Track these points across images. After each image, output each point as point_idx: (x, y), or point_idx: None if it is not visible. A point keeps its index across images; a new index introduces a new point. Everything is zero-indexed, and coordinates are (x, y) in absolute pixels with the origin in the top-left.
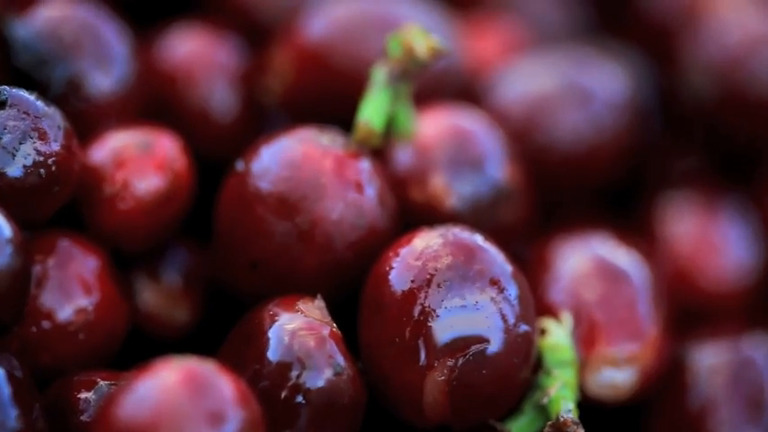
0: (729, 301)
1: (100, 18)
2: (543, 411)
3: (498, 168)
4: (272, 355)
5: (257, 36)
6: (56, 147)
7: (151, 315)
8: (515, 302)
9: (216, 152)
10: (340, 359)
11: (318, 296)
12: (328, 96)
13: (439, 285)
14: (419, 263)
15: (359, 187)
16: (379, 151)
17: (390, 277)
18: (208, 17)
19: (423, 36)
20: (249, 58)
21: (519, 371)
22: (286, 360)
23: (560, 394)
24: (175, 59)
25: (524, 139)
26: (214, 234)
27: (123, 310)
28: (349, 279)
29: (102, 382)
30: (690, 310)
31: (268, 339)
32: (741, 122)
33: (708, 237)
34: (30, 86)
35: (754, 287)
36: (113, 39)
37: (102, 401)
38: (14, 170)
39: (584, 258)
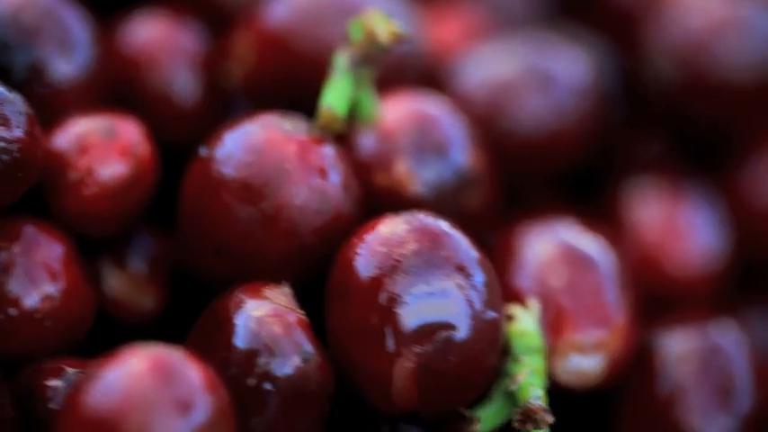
0: (696, 286)
1: (61, 3)
2: (512, 398)
3: (462, 154)
4: (240, 342)
5: (219, 21)
6: (18, 133)
7: (117, 301)
8: (482, 289)
9: (179, 137)
10: (308, 346)
11: (284, 282)
12: (290, 81)
13: (405, 272)
14: (385, 249)
15: (323, 173)
16: (343, 137)
17: (356, 264)
18: (170, 3)
19: (384, 21)
20: (211, 43)
21: (487, 357)
22: (253, 347)
23: (528, 381)
24: (137, 44)
25: (487, 125)
26: (178, 220)
27: (90, 297)
28: (315, 265)
29: (69, 370)
30: (657, 295)
31: (235, 326)
32: (704, 107)
33: (673, 222)
34: None
35: (720, 272)
36: (75, 24)
37: (70, 389)
38: None
39: (550, 244)
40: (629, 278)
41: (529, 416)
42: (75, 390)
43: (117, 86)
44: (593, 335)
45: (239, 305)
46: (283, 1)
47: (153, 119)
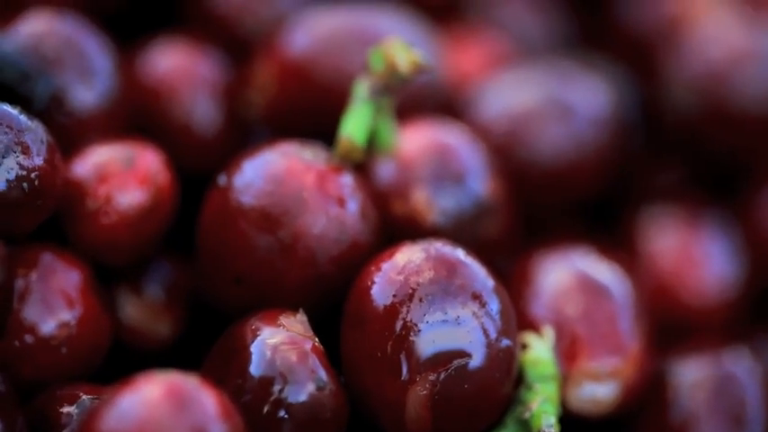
0: (711, 315)
1: (82, 33)
2: (525, 426)
3: (480, 183)
4: (255, 369)
5: (240, 50)
6: (39, 161)
7: (134, 329)
8: (497, 317)
9: (198, 166)
10: (322, 373)
11: (300, 310)
12: (310, 110)
13: (421, 300)
14: (401, 277)
15: (341, 202)
16: (362, 166)
17: (372, 292)
18: (190, 31)
19: (405, 50)
20: (232, 72)
21: (501, 385)
22: (268, 375)
23: (542, 409)
24: (158, 73)
25: (506, 154)
26: (197, 248)
27: (106, 324)
28: (331, 293)
29: (84, 396)
30: (672, 324)
31: (250, 354)
32: (723, 137)
33: (690, 251)
34: (13, 101)
35: (736, 302)
36: (96, 53)
37: (85, 416)
38: None
39: (565, 273)
40: (645, 306)
41: None
42: (90, 416)
43: (137, 115)
44: (608, 363)
45: (255, 333)
46: (304, 30)
47: (172, 147)
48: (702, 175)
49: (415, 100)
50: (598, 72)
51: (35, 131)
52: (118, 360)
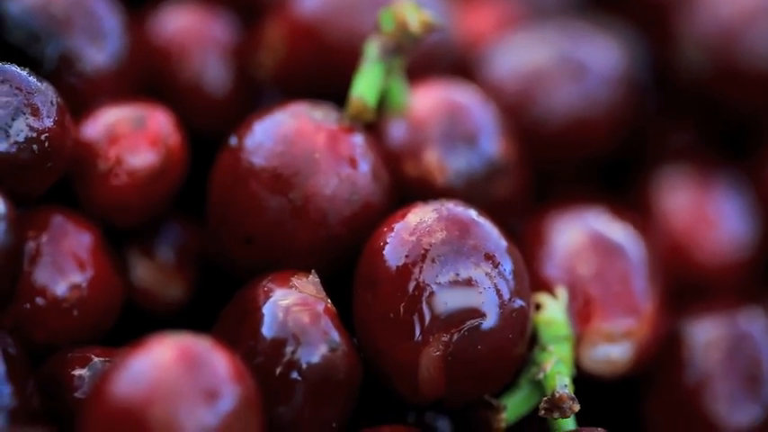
0: (725, 275)
1: None
2: (539, 387)
3: (492, 143)
4: (267, 331)
5: (251, 11)
6: (48, 122)
7: (145, 291)
8: (510, 277)
9: (209, 127)
10: (335, 335)
11: (313, 272)
12: (321, 71)
13: (433, 260)
14: (413, 238)
15: (352, 162)
16: (373, 126)
17: (384, 252)
18: None
19: (415, 10)
20: (242, 33)
21: (514, 346)
22: (281, 336)
23: (556, 370)
24: (168, 34)
25: (518, 113)
26: (207, 209)
27: (117, 286)
28: (343, 254)
29: (96, 359)
30: (686, 284)
31: (262, 315)
32: (736, 95)
33: (703, 210)
34: (23, 62)
35: (750, 261)
36: (105, 14)
37: (97, 378)
38: (7, 146)
39: (579, 233)
40: (658, 266)
41: (556, 404)
42: (102, 379)
43: (147, 76)
44: (622, 323)
45: (267, 294)
46: None
47: (183, 108)
48: (715, 135)
49: (426, 60)
50: (610, 32)
51: (45, 93)
52: (129, 323)
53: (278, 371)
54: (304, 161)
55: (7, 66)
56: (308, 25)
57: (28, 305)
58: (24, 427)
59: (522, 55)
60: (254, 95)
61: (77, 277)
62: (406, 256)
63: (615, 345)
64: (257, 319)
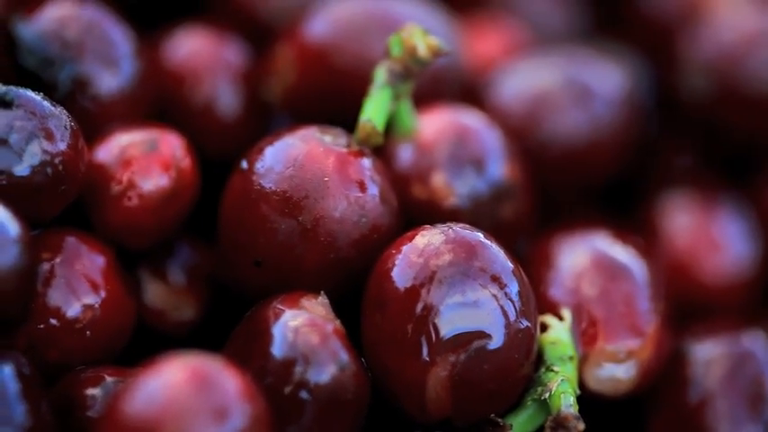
0: (728, 295)
1: (105, 18)
2: (544, 406)
3: (498, 166)
4: (277, 351)
5: (261, 36)
6: (62, 146)
7: (157, 312)
8: (516, 299)
9: (220, 151)
10: (344, 355)
11: (322, 293)
12: (330, 96)
13: (440, 282)
14: (421, 260)
15: (361, 186)
16: (381, 149)
17: (393, 274)
18: (212, 18)
19: (423, 36)
20: (253, 57)
21: (520, 366)
22: (290, 356)
23: (561, 389)
24: (180, 59)
25: (524, 136)
26: (218, 232)
27: (130, 307)
28: (352, 276)
29: (108, 379)
30: (689, 305)
31: (272, 336)
32: (737, 119)
33: (706, 232)
34: (37, 87)
35: (751, 282)
36: (119, 38)
37: (109, 398)
38: (22, 169)
39: (583, 254)
40: (662, 287)
41: (561, 423)
42: (114, 398)
43: (160, 100)
44: (626, 344)
45: (277, 315)
46: (324, 15)
47: (195, 132)
48: (717, 158)
49: (434, 85)
50: (614, 57)
51: (59, 117)
52: (142, 342)
53: (287, 390)
54: (314, 184)
55: (22, 90)
56: (317, 50)
57: (42, 325)
58: None
59: (528, 78)
60: (264, 119)
61: (90, 298)
62: (414, 278)
63: (619, 365)
64: (267, 339)
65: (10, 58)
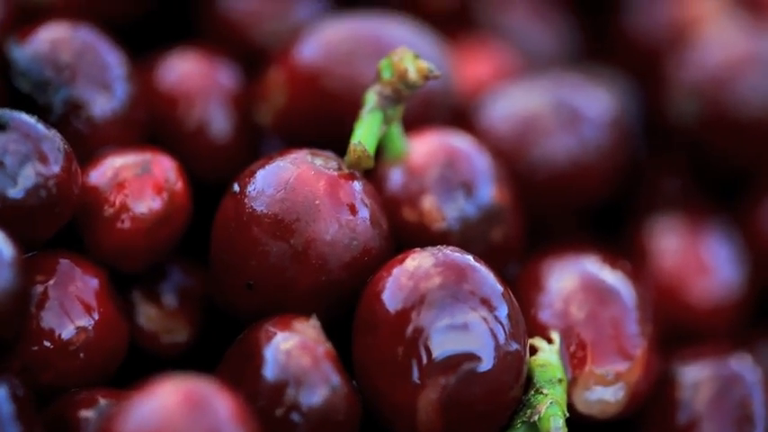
0: (715, 318)
1: (98, 41)
2: (534, 429)
3: (488, 190)
4: (269, 374)
5: (253, 59)
6: (56, 169)
7: (150, 334)
8: (506, 321)
9: (212, 174)
10: (335, 378)
11: (313, 315)
12: (321, 119)
13: (431, 305)
14: (411, 282)
15: (352, 209)
16: (372, 172)
17: (383, 297)
18: (204, 42)
19: (414, 59)
20: (245, 81)
21: (510, 389)
22: (282, 379)
23: (550, 412)
24: (173, 82)
25: (513, 159)
26: (210, 254)
27: (123, 330)
28: (343, 298)
29: (102, 401)
30: (677, 327)
31: (264, 359)
32: (725, 143)
33: (694, 255)
34: (30, 109)
35: (738, 305)
36: (112, 62)
37: (103, 420)
38: (16, 192)
39: (572, 278)
40: (650, 311)
41: None
42: (107, 421)
43: (152, 123)
44: (614, 367)
45: (268, 337)
46: (314, 40)
47: (187, 155)
48: (705, 181)
49: (424, 108)
50: (603, 81)
51: (52, 140)
52: (134, 365)
53: (279, 413)
54: (305, 207)
55: (16, 113)
56: (307, 74)
57: (36, 347)
58: None
59: (517, 102)
60: (256, 143)
61: (84, 321)
62: (405, 301)
63: (608, 388)
64: (259, 362)
65: (4, 80)
